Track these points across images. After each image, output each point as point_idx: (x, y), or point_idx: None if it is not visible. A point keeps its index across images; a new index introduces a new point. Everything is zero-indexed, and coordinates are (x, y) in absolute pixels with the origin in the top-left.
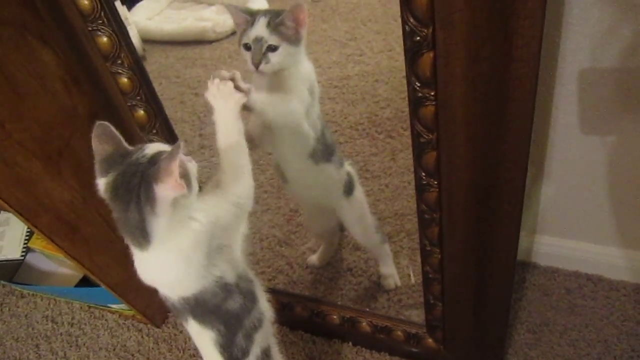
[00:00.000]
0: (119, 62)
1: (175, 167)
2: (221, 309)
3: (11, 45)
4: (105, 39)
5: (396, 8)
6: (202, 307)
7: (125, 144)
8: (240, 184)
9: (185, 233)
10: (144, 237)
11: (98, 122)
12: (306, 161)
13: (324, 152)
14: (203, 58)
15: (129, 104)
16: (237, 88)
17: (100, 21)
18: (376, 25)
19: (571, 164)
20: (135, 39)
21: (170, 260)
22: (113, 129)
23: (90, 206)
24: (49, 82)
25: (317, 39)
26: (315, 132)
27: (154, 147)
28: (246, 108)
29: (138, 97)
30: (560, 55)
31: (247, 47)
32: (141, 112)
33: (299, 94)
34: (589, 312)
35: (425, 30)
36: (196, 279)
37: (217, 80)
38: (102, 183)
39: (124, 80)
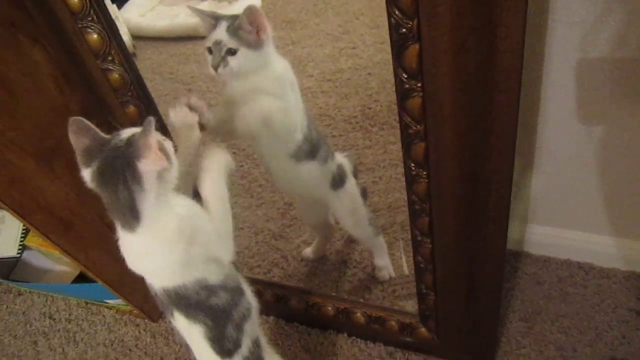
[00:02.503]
0: (110, 58)
1: (152, 141)
2: (205, 305)
3: (1, 44)
4: (95, 36)
5: None
6: (184, 301)
7: (102, 134)
8: (219, 220)
9: (170, 218)
10: (134, 216)
11: (71, 118)
12: (287, 160)
13: (308, 151)
14: (196, 54)
15: (120, 100)
16: (193, 108)
17: (90, 18)
18: (369, 18)
19: (561, 153)
20: (126, 37)
21: (154, 245)
22: (87, 122)
23: (85, 202)
24: (40, 80)
25: (309, 33)
26: (302, 131)
27: (128, 131)
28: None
29: (129, 94)
30: (547, 46)
31: (210, 51)
32: (132, 108)
33: (278, 95)
34: (581, 300)
35: (411, 23)
36: (176, 272)
37: (177, 108)
38: (87, 173)
39: (115, 76)
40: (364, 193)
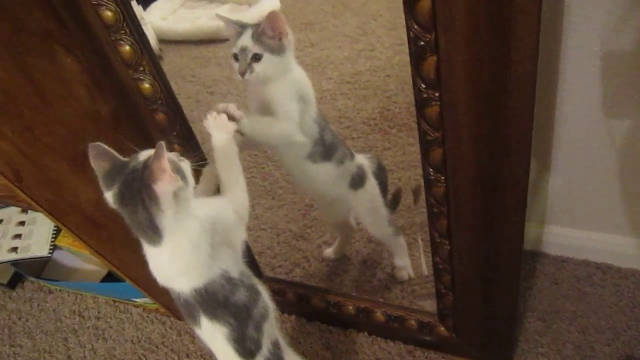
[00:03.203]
0: (141, 69)
1: (165, 164)
2: (229, 301)
3: (38, 54)
4: (127, 47)
5: None
6: (212, 299)
7: (120, 157)
8: (238, 197)
9: (191, 224)
10: (155, 233)
11: (90, 144)
12: (304, 161)
13: (323, 152)
14: (217, 57)
15: (150, 108)
16: (231, 116)
17: (123, 31)
18: (387, 19)
19: (578, 154)
20: (152, 39)
21: (181, 250)
22: (106, 146)
23: None
24: (73, 88)
25: (328, 35)
26: (312, 136)
27: (145, 154)
28: (239, 132)
29: (159, 102)
30: (562, 51)
31: (235, 57)
32: (162, 115)
33: (286, 112)
34: (598, 299)
35: (429, 36)
36: (205, 268)
37: (214, 113)
38: (109, 196)
39: (146, 86)
40: (398, 195)
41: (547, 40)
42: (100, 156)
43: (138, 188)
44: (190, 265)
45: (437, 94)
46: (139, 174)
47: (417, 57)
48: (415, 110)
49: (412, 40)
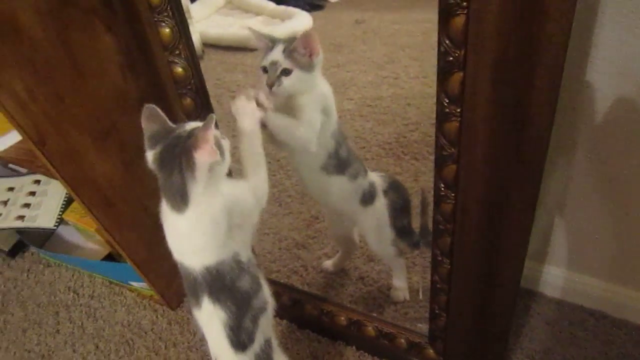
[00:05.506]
0: (177, 52)
1: (210, 135)
2: (235, 285)
3: (80, 28)
4: (167, 30)
5: (435, 37)
6: (220, 279)
7: (170, 123)
8: (259, 183)
9: (216, 199)
10: (183, 200)
11: (146, 105)
12: (319, 172)
13: (337, 166)
14: (244, 64)
15: (180, 92)
16: (259, 104)
17: (166, 13)
18: (414, 51)
19: (586, 200)
20: (195, 38)
21: (201, 223)
22: (159, 110)
23: (128, 185)
24: (107, 65)
25: (355, 58)
26: (328, 149)
27: (193, 124)
28: (261, 124)
29: (189, 87)
30: (585, 84)
31: (265, 70)
32: (189, 100)
33: (309, 120)
34: (589, 346)
35: (458, 52)
36: (220, 246)
37: (243, 98)
38: (150, 155)
39: (179, 70)
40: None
41: (571, 79)
42: (151, 117)
43: (179, 152)
44: (207, 241)
45: (458, 110)
46: (183, 139)
47: (444, 72)
48: (435, 124)
49: (442, 55)
